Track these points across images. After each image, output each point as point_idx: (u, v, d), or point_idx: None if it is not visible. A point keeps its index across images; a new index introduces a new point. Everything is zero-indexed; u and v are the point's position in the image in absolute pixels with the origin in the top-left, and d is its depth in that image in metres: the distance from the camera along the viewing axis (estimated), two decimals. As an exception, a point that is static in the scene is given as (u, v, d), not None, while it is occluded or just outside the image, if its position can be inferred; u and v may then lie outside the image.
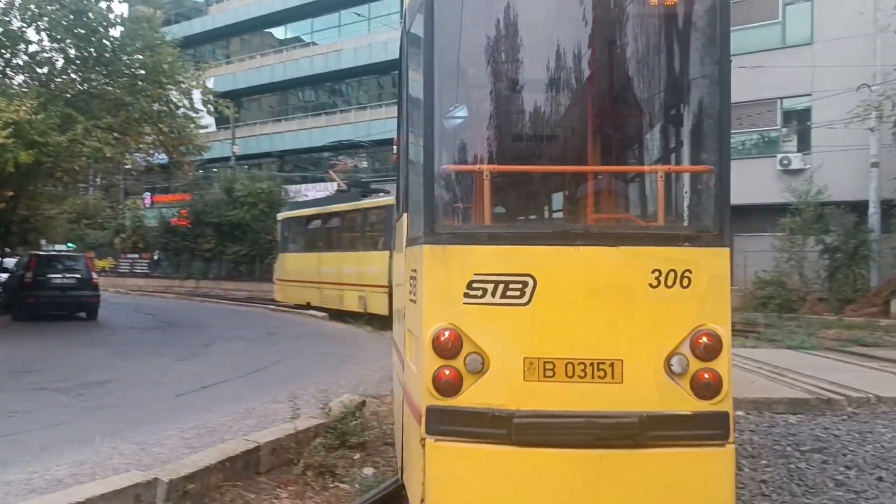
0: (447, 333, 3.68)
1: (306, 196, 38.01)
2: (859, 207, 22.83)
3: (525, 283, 3.68)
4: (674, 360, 3.73)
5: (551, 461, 3.64)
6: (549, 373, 3.68)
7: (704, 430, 3.80)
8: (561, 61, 4.31)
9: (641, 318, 3.71)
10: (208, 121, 39.90)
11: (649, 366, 3.70)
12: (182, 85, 19.73)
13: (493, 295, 3.69)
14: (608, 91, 4.52)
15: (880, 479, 6.17)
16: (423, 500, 3.76)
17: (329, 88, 43.85)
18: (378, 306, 18.37)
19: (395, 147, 6.69)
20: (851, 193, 23.17)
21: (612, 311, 3.70)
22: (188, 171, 28.08)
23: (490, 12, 4.07)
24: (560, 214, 5.22)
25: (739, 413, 8.68)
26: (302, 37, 44.18)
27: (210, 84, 28.67)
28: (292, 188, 39.69)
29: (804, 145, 25.59)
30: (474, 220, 4.09)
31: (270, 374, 10.28)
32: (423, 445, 3.70)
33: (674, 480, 3.71)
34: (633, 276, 3.71)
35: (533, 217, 5.57)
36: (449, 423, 3.68)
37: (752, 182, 25.90)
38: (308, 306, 22.29)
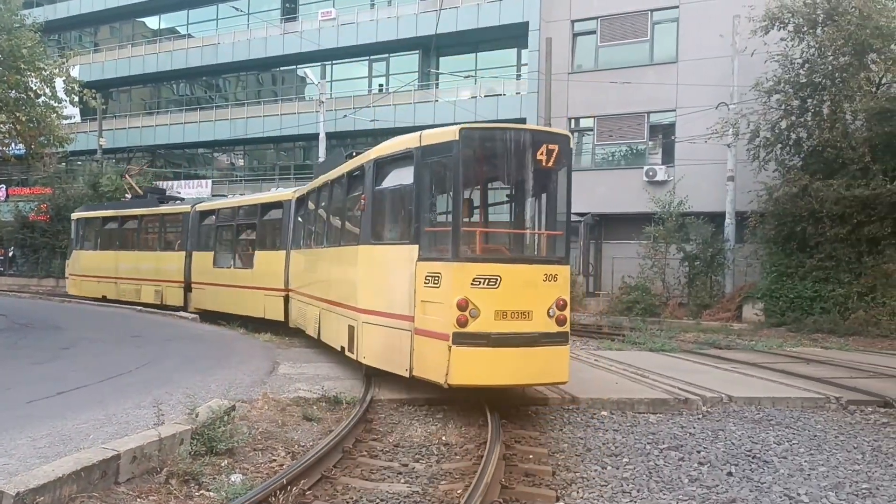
0: (462, 299, 8.07)
1: (179, 193, 36.65)
2: (717, 218, 24.33)
3: (497, 279, 8.18)
4: (551, 310, 8.37)
5: (504, 353, 8.13)
6: (505, 316, 8.16)
7: (560, 340, 8.49)
8: (497, 195, 10.57)
9: (540, 294, 8.37)
10: (72, 111, 37.73)
11: (542, 313, 8.32)
12: (43, 72, 18.54)
13: (483, 283, 8.16)
14: (524, 207, 9.64)
15: (730, 474, 6.58)
16: (447, 375, 8.10)
17: (205, 83, 42.48)
18: (174, 299, 21.56)
19: (362, 201, 10.30)
20: (710, 205, 24.65)
21: (530, 291, 8.35)
22: (49, 163, 26.64)
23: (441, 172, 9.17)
24: (509, 250, 9.71)
25: (604, 413, 9.04)
26: (177, 28, 42.58)
27: (75, 72, 27.19)
28: (164, 184, 38.16)
29: (668, 158, 26.98)
30: (473, 251, 8.69)
31: (134, 378, 9.84)
32: (450, 350, 8.06)
33: (546, 359, 8.38)
34: (537, 276, 8.43)
35: (498, 251, 9.71)
36: (462, 339, 8.05)
37: (621, 192, 27.17)
38: (104, 299, 24.31)
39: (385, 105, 32.07)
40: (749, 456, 7.17)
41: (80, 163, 43.14)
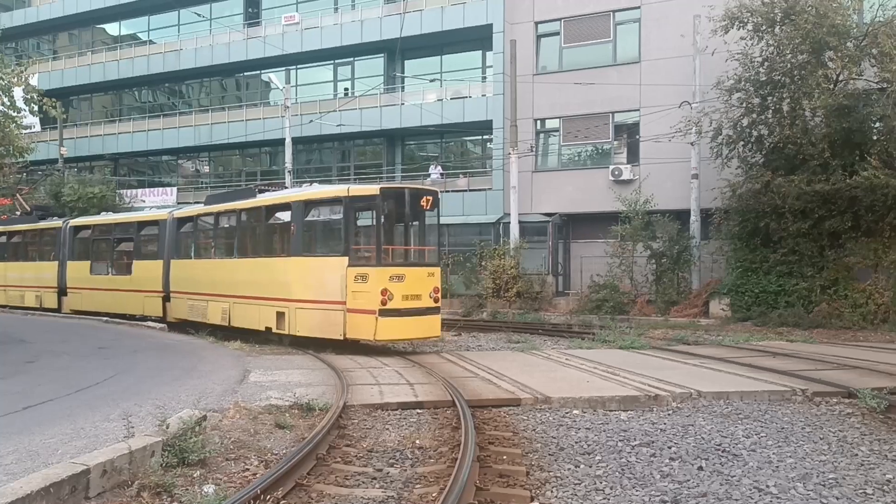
0: (384, 289, 13.82)
1: (143, 201, 36.19)
2: (682, 216, 24.63)
3: (403, 276, 14.19)
4: (431, 294, 14.53)
5: (408, 320, 14.15)
6: (407, 298, 14.08)
7: (435, 311, 14.77)
8: (399, 226, 16.02)
9: (425, 284, 14.52)
10: (32, 120, 37.07)
11: (426, 296, 14.48)
12: (1, 81, 18.22)
13: (395, 279, 14.00)
14: (415, 233, 15.84)
15: (700, 468, 6.67)
16: (375, 334, 13.91)
17: (168, 89, 41.98)
18: (50, 302, 25.01)
19: (292, 229, 15.59)
20: (675, 202, 24.95)
21: (420, 283, 14.43)
22: (8, 174, 26.18)
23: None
24: (409, 259, 15.50)
25: (577, 412, 9.12)
26: (138, 34, 42.01)
27: (34, 81, 26.69)
28: (128, 192, 37.65)
29: (634, 157, 27.26)
30: (389, 260, 14.77)
31: (103, 390, 9.69)
32: (377, 320, 13.78)
33: (429, 323, 14.64)
34: (424, 274, 14.70)
35: (401, 259, 15.26)
36: (384, 313, 13.79)
37: (587, 192, 27.40)
38: None
39: (351, 109, 31.97)
40: (719, 450, 7.28)
41: (40, 173, 42.36)
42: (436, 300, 14.59)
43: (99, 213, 27.41)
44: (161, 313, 20.26)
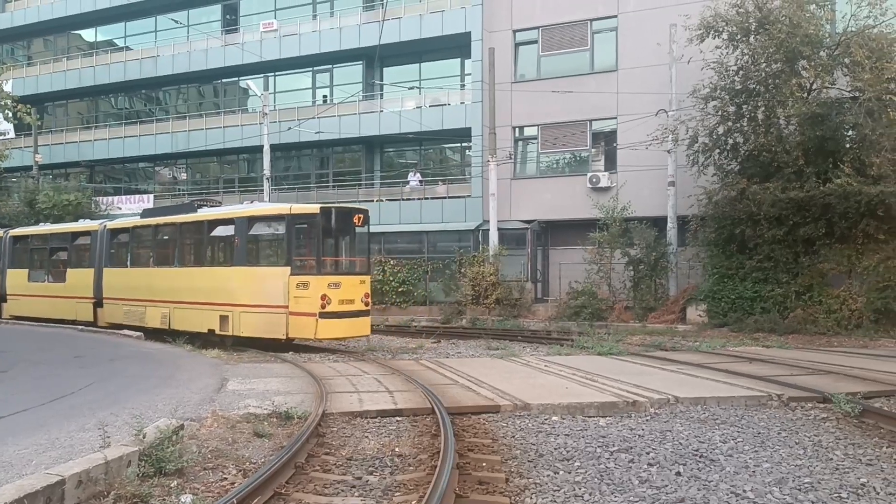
0: (323, 294, 15.86)
1: (119, 209, 35.83)
2: (659, 222, 24.82)
3: (339, 283, 16.37)
4: (362, 299, 16.71)
5: (343, 321, 16.23)
6: (343, 303, 16.21)
7: (366, 313, 17.04)
8: (334, 240, 17.89)
9: (357, 291, 16.71)
10: (6, 127, 36.66)
11: (358, 300, 16.60)
12: (-26, 87, 18.05)
13: (333, 286, 16.16)
14: (348, 246, 18.14)
15: (679, 473, 6.71)
16: (315, 334, 16.19)
17: (145, 96, 41.65)
18: None
19: (235, 241, 17.41)
20: (653, 209, 25.13)
21: (353, 289, 16.61)
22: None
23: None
24: (344, 268, 17.70)
25: (556, 418, 9.15)
26: (115, 41, 41.64)
27: (8, 87, 26.44)
28: (104, 200, 37.28)
29: (611, 165, 27.43)
30: (327, 270, 16.74)
31: (78, 400, 9.58)
32: (317, 321, 15.84)
33: (361, 323, 16.88)
34: (356, 281, 16.94)
35: (337, 268, 17.40)
36: (323, 315, 15.84)
37: (566, 199, 27.53)
38: None
39: (330, 116, 31.94)
40: (696, 455, 7.33)
41: (14, 179, 41.87)
42: (366, 304, 16.96)
43: (75, 221, 27.18)
44: (92, 318, 21.62)
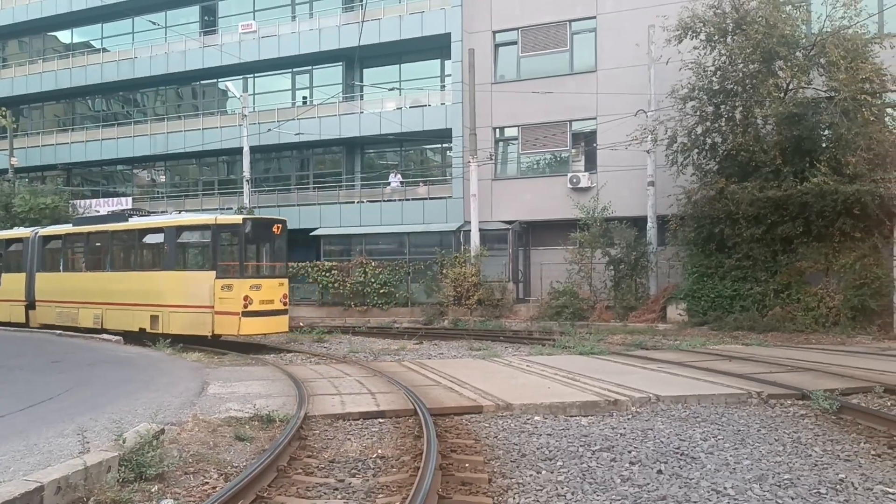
0: (245, 296, 17.56)
1: (97, 212, 35.47)
2: (639, 222, 24.96)
3: (260, 285, 18.17)
4: (281, 300, 18.70)
5: (264, 319, 18.16)
6: (263, 303, 18.08)
7: (285, 312, 18.94)
8: (256, 247, 19.79)
9: (276, 292, 18.62)
10: (-20, 129, 36.16)
11: (277, 301, 18.56)
12: (-53, 89, 17.83)
13: (255, 288, 17.95)
14: (268, 253, 19.88)
15: (660, 471, 6.76)
16: (238, 330, 17.76)
17: (122, 98, 41.26)
18: None
19: (165, 248, 19.26)
20: (633, 209, 25.26)
21: (273, 291, 18.51)
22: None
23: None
24: (265, 273, 19.19)
25: (538, 418, 9.17)
26: (91, 42, 41.22)
27: (-18, 89, 26.11)
28: (82, 203, 36.87)
29: (591, 165, 27.54)
30: (249, 274, 18.33)
31: (56, 405, 9.48)
32: (240, 319, 17.50)
33: (279, 321, 18.71)
34: (275, 284, 18.79)
35: (258, 272, 18.78)
36: (246, 314, 17.56)
37: (546, 199, 27.61)
38: None
39: (310, 117, 31.82)
40: (677, 453, 7.38)
41: (-11, 183, 41.32)
42: (284, 304, 18.91)
43: (53, 224, 26.86)
44: (24, 320, 23.13)
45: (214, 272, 18.01)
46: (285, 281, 19.24)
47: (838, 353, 15.44)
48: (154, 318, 18.90)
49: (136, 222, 20.66)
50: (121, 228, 20.82)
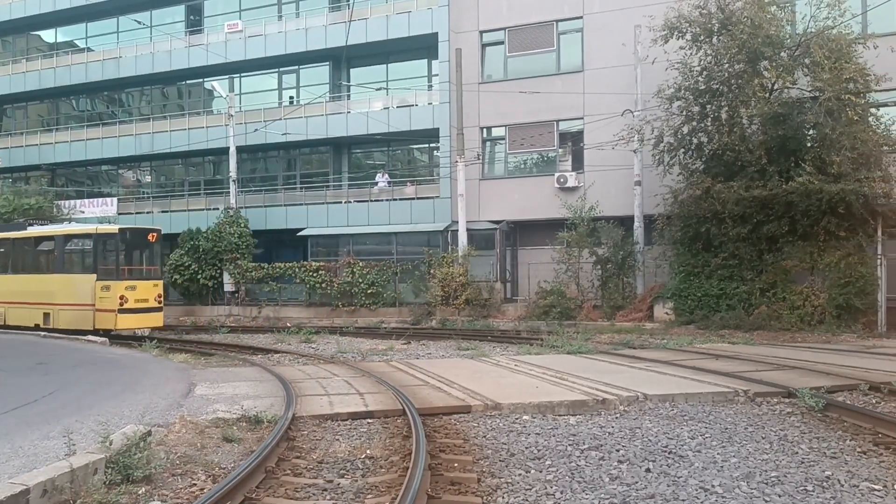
0: (121, 295, 20.35)
1: (82, 213, 35.24)
2: (626, 222, 25.04)
3: (135, 286, 20.98)
4: (156, 298, 21.58)
5: (139, 315, 21.13)
6: (139, 301, 20.84)
7: (160, 309, 21.67)
8: (135, 253, 22.97)
9: (151, 292, 21.36)
10: (-37, 129, 35.84)
11: (152, 299, 21.42)
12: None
13: (130, 289, 20.74)
14: (145, 258, 23.05)
15: (648, 470, 6.78)
16: (115, 326, 20.49)
17: (107, 97, 40.96)
18: None
19: (55, 254, 22.40)
20: (619, 209, 25.34)
21: (148, 291, 21.29)
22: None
23: None
24: (140, 275, 21.94)
25: (526, 417, 9.18)
26: (76, 42, 40.91)
27: (-35, 89, 25.86)
28: (66, 203, 36.60)
29: (578, 165, 27.60)
30: (125, 276, 21.27)
31: (42, 407, 9.41)
32: (117, 316, 20.34)
33: (154, 317, 21.53)
34: (150, 285, 21.55)
35: (130, 274, 21.49)
36: (122, 311, 20.37)
37: (534, 199, 27.65)
38: None
39: (297, 117, 31.72)
40: (665, 451, 7.41)
41: (-28, 184, 40.97)
42: (159, 302, 21.68)
43: (40, 224, 26.65)
44: None
45: (96, 275, 20.87)
46: (160, 282, 22.25)
47: (824, 351, 15.55)
48: (46, 315, 21.84)
49: (32, 231, 23.84)
50: (20, 236, 23.87)
